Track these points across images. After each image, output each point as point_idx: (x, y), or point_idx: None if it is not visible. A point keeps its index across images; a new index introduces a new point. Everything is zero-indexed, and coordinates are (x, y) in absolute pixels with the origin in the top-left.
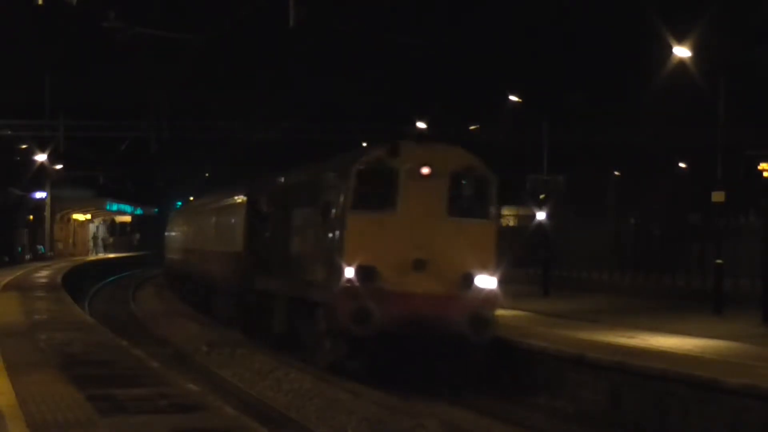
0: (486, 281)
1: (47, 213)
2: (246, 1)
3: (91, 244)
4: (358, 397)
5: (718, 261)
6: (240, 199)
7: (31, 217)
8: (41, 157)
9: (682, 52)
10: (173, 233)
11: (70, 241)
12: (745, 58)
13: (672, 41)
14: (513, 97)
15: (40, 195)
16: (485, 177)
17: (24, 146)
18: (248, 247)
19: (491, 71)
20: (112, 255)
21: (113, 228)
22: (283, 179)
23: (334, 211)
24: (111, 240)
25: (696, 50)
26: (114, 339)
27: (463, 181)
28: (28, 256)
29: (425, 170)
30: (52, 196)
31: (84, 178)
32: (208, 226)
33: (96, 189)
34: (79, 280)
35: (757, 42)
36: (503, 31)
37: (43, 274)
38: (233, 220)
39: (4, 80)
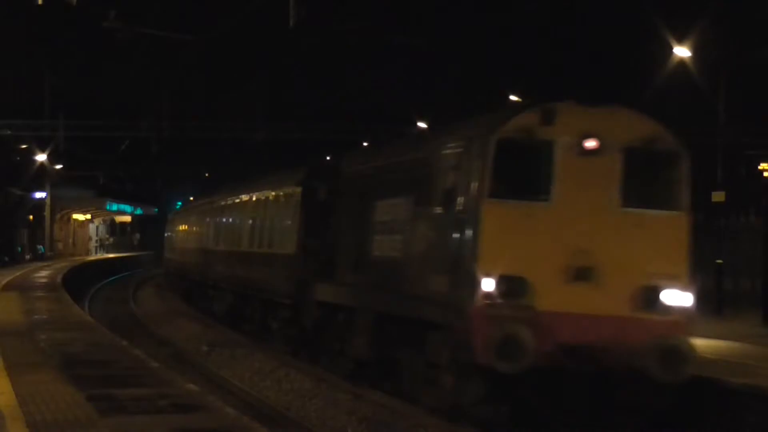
0: (676, 297)
1: (47, 213)
2: (246, 1)
3: (91, 244)
4: (358, 397)
5: (718, 261)
6: (291, 189)
7: (31, 217)
8: (41, 157)
9: (682, 52)
10: (179, 233)
11: (70, 241)
12: (745, 58)
13: (672, 41)
14: (513, 97)
15: (40, 195)
16: (674, 151)
17: (24, 146)
18: (305, 249)
19: (491, 71)
20: (112, 255)
21: (113, 228)
22: (360, 162)
23: (460, 199)
24: (111, 240)
25: (696, 50)
26: (114, 339)
27: (644, 158)
28: (28, 256)
29: (591, 143)
30: (52, 196)
31: (84, 178)
32: (240, 223)
33: (96, 189)
34: (79, 280)
35: (758, 42)
36: (503, 31)
37: (43, 274)
38: (282, 216)
39: (4, 80)
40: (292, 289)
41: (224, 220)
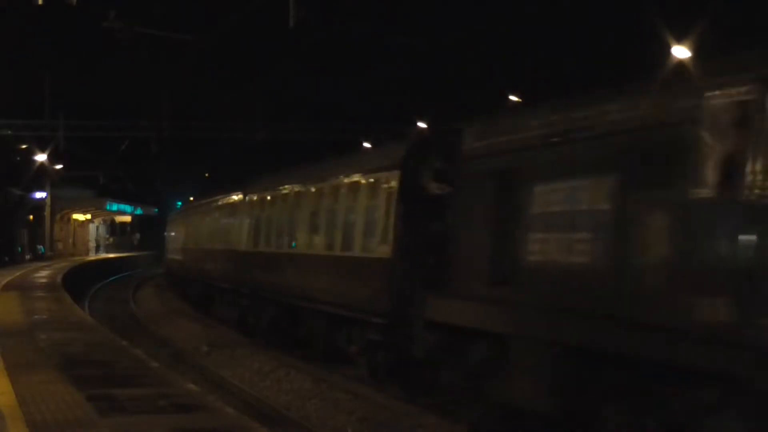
0: None
1: (47, 213)
2: (246, 1)
3: (91, 244)
4: (358, 397)
5: None
6: (381, 174)
7: (31, 217)
8: (41, 157)
9: (682, 52)
10: (190, 232)
11: (70, 241)
12: None
13: (672, 41)
14: (513, 97)
15: (40, 195)
16: None
17: (24, 146)
18: (404, 251)
19: (491, 71)
20: (112, 255)
21: (113, 228)
22: (496, 132)
23: (756, 175)
24: (111, 240)
25: (696, 50)
26: (114, 339)
27: None
28: (28, 256)
29: None
30: (52, 196)
31: (84, 178)
32: (293, 219)
33: (96, 189)
34: (79, 280)
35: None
36: (503, 31)
37: (43, 274)
38: (365, 209)
39: (4, 80)
40: (386, 303)
41: (267, 215)
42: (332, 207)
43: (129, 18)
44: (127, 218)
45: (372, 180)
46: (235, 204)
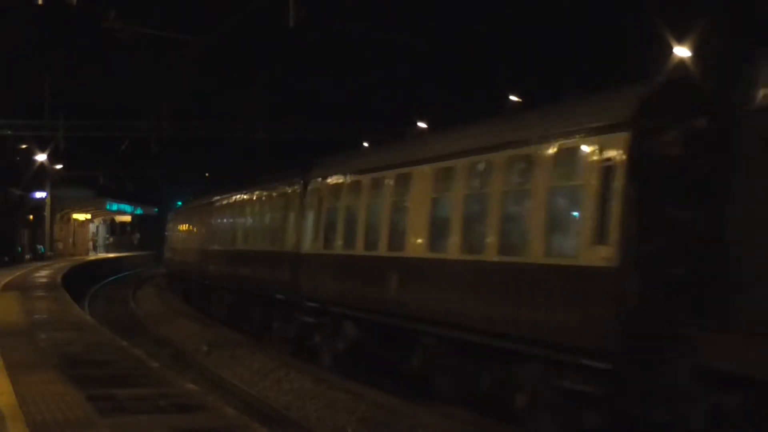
0: None
1: (47, 213)
2: (246, 1)
3: (91, 244)
4: (357, 397)
5: None
6: (592, 140)
7: (31, 217)
8: (41, 157)
9: (682, 52)
10: (208, 230)
11: (70, 240)
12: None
13: (672, 41)
14: (513, 97)
15: (40, 195)
16: None
17: (24, 146)
18: (643, 257)
19: (491, 71)
20: (112, 255)
21: (113, 228)
22: None
23: None
24: (111, 240)
25: (696, 50)
26: (114, 339)
27: None
28: (28, 256)
29: None
30: (52, 196)
31: (84, 178)
32: (399, 209)
33: (96, 189)
34: (79, 280)
35: (758, 42)
36: (503, 31)
37: (43, 274)
38: (551, 192)
39: (4, 80)
40: (610, 337)
41: (349, 208)
42: (475, 192)
43: (129, 18)
44: (127, 218)
45: (566, 148)
46: (288, 195)
